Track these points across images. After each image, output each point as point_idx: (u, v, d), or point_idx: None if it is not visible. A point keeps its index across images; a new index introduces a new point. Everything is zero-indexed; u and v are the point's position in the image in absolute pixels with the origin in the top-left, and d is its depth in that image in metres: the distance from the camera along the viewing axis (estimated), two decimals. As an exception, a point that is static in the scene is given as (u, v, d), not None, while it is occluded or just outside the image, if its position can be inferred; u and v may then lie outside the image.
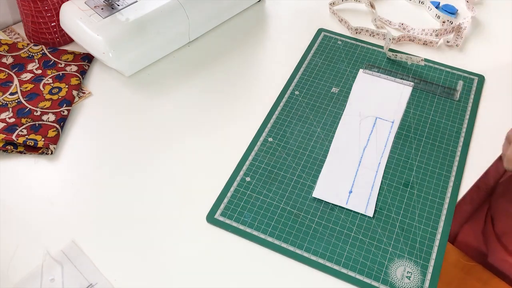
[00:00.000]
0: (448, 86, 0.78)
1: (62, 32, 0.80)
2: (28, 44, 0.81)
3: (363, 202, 0.64)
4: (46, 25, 0.79)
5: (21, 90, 0.74)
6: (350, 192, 0.65)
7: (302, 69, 0.81)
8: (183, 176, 0.67)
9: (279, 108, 0.75)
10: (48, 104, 0.72)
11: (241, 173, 0.67)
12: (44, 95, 0.73)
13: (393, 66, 0.82)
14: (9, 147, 0.67)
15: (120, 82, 0.78)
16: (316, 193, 0.65)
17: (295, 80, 0.79)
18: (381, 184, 0.66)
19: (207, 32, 0.86)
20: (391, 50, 0.83)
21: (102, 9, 0.75)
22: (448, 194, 0.65)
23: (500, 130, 0.72)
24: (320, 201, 0.64)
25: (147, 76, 0.79)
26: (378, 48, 0.85)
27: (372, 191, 0.65)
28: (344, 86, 0.78)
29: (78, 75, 0.77)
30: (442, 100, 0.76)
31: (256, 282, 0.57)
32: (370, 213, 0.63)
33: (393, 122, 0.73)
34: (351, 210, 0.63)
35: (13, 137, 0.67)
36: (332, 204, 0.64)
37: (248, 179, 0.66)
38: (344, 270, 0.58)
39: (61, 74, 0.77)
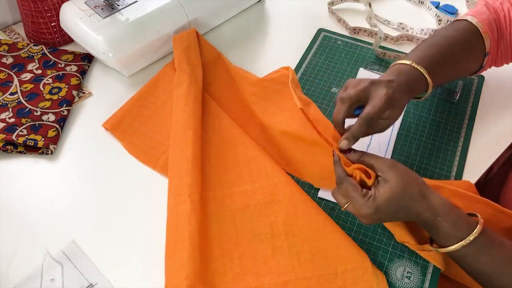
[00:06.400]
0: (448, 86, 0.78)
1: (62, 32, 0.80)
2: (28, 44, 0.81)
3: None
4: (46, 25, 0.79)
5: (21, 90, 0.74)
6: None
7: (302, 69, 0.80)
8: (183, 176, 0.67)
9: (279, 108, 0.75)
10: (48, 104, 0.72)
11: (241, 173, 0.67)
12: (44, 95, 0.73)
13: (393, 66, 0.81)
14: (9, 147, 0.67)
15: (120, 82, 0.78)
16: (321, 193, 0.64)
17: (295, 80, 0.79)
18: (381, 184, 0.66)
19: (206, 32, 0.86)
20: (381, 47, 0.83)
21: (102, 9, 0.75)
22: (448, 194, 0.65)
23: (500, 130, 0.72)
24: (320, 200, 0.64)
25: (147, 76, 0.79)
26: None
27: (372, 191, 0.65)
28: (344, 86, 0.78)
29: (78, 75, 0.77)
30: (442, 101, 0.76)
31: (256, 282, 0.57)
32: (370, 213, 0.63)
33: (393, 122, 0.73)
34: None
35: (13, 137, 0.67)
36: (333, 203, 0.64)
37: (248, 179, 0.66)
38: (344, 270, 0.58)
39: (61, 74, 0.77)
